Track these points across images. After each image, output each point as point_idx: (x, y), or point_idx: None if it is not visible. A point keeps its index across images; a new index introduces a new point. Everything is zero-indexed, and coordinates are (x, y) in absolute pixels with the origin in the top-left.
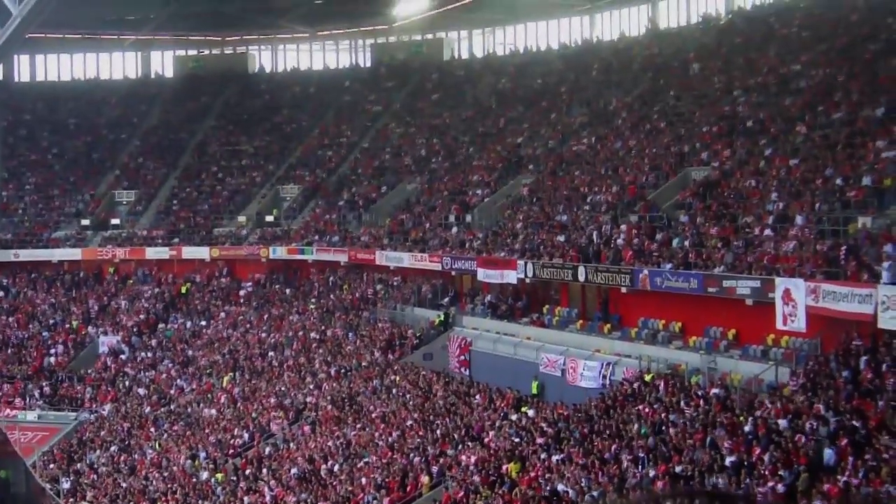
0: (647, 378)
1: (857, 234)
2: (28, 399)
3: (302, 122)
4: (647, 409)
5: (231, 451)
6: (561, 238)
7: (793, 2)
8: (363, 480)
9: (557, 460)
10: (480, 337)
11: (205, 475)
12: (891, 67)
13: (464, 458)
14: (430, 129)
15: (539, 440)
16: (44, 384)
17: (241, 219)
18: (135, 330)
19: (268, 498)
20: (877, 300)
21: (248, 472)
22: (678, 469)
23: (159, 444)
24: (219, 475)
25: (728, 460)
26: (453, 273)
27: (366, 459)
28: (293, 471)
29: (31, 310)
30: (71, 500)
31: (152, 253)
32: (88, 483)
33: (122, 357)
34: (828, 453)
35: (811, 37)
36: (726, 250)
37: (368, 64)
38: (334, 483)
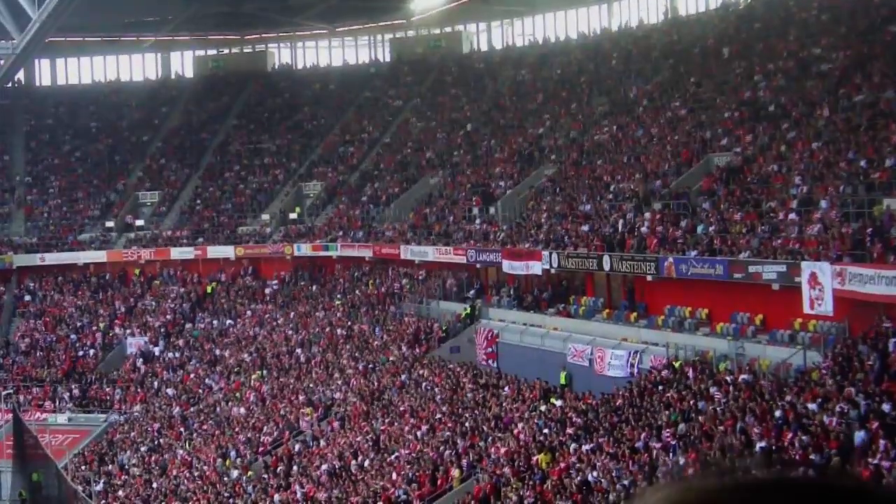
0: (676, 366)
1: (882, 216)
2: (58, 402)
3: (323, 119)
4: (675, 397)
5: (261, 449)
6: (585, 228)
7: None
8: (393, 475)
9: (587, 450)
10: (507, 329)
11: (235, 474)
12: None
13: (493, 450)
14: (451, 122)
15: (569, 430)
16: (73, 387)
17: (265, 217)
18: (162, 331)
19: (299, 495)
20: None
21: (278, 469)
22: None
23: (189, 444)
24: (250, 473)
25: (758, 446)
26: (478, 266)
27: (396, 454)
28: (323, 467)
29: (59, 313)
30: (103, 501)
31: (177, 253)
32: (120, 484)
33: (152, 357)
34: (859, 436)
35: (831, 19)
36: (751, 236)
37: (388, 59)
38: (365, 478)
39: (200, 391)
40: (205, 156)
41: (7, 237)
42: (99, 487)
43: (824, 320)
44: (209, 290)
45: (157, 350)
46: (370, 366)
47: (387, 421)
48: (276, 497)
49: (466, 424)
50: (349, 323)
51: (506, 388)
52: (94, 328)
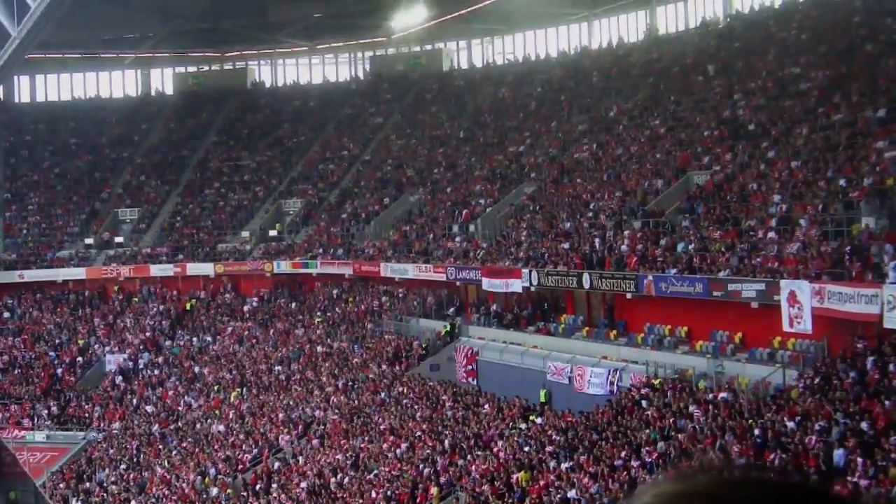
0: (655, 384)
1: (861, 235)
2: (36, 419)
3: (303, 136)
4: (655, 415)
5: (240, 466)
6: (565, 246)
7: (791, 4)
8: (373, 493)
9: (567, 468)
10: (487, 346)
11: (215, 491)
12: (890, 68)
13: (473, 468)
14: (431, 140)
15: (548, 448)
16: (51, 404)
17: (245, 234)
18: (141, 348)
19: None
20: (882, 300)
21: (257, 487)
22: None
23: (168, 462)
24: (229, 491)
25: None
26: (458, 283)
27: (375, 472)
28: (303, 485)
29: (38, 330)
30: None
31: (156, 270)
32: (98, 502)
33: (131, 374)
34: (837, 455)
35: (810, 39)
36: (730, 254)
37: (368, 76)
38: (344, 496)
39: (179, 408)
40: (184, 172)
41: None
42: None
43: (803, 338)
44: (188, 307)
45: (137, 366)
46: (350, 383)
47: (366, 438)
48: None
49: (446, 442)
50: (329, 340)
51: (486, 406)
52: (73, 345)
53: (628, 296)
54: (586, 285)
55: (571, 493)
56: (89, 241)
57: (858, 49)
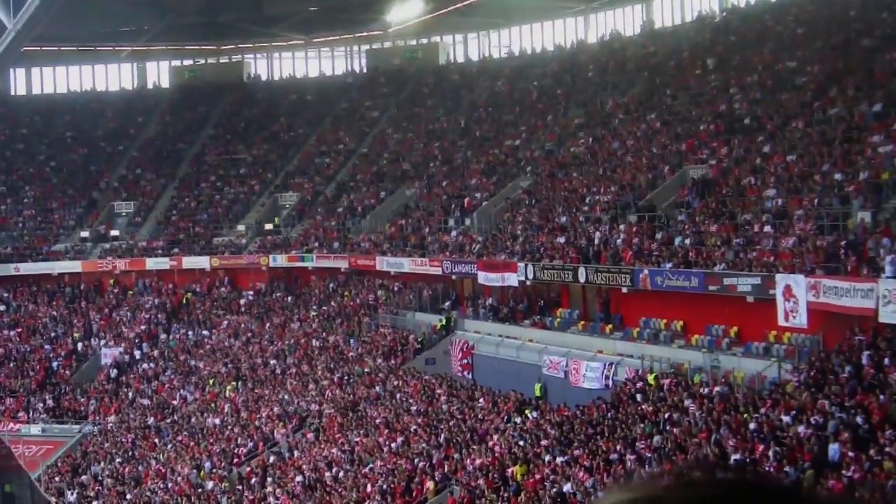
0: (650, 378)
1: (856, 229)
2: (31, 413)
3: (299, 130)
4: (650, 409)
5: (235, 460)
6: (561, 240)
7: None
8: (368, 487)
9: (562, 462)
10: (482, 340)
11: (210, 485)
12: (886, 62)
13: (468, 462)
14: (427, 133)
15: (543, 442)
16: (47, 397)
17: (241, 228)
18: (137, 341)
19: None
20: (878, 294)
21: (252, 481)
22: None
23: (164, 455)
24: (225, 484)
25: (732, 458)
26: (454, 277)
27: (370, 466)
28: (298, 478)
29: (33, 323)
30: None
31: (152, 264)
32: (93, 495)
33: (127, 367)
34: (832, 449)
35: (806, 33)
36: (726, 248)
37: (364, 70)
38: (339, 490)
39: (175, 402)
40: (181, 166)
41: None
42: (72, 499)
43: (799, 333)
44: (184, 300)
45: (133, 359)
46: (345, 377)
47: (362, 432)
48: None
49: (441, 436)
50: (324, 334)
51: (481, 400)
52: (69, 339)
53: (624, 290)
54: (582, 279)
55: (567, 487)
56: (85, 234)
57: (854, 43)
